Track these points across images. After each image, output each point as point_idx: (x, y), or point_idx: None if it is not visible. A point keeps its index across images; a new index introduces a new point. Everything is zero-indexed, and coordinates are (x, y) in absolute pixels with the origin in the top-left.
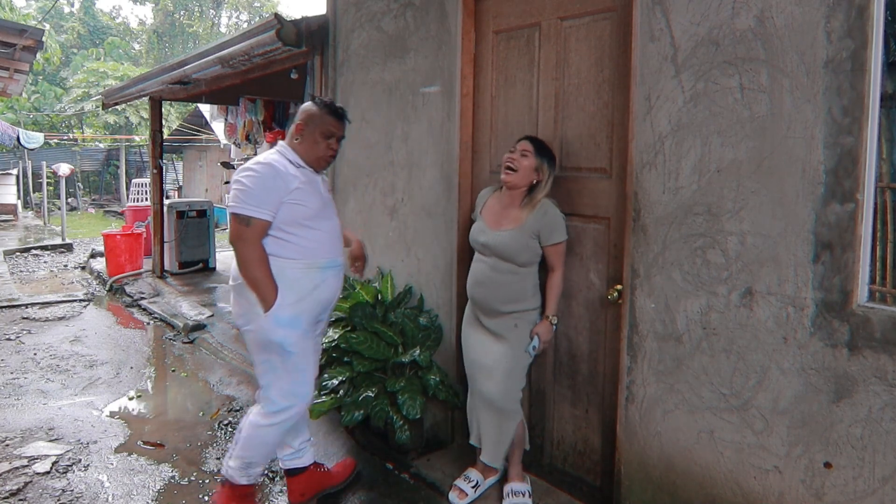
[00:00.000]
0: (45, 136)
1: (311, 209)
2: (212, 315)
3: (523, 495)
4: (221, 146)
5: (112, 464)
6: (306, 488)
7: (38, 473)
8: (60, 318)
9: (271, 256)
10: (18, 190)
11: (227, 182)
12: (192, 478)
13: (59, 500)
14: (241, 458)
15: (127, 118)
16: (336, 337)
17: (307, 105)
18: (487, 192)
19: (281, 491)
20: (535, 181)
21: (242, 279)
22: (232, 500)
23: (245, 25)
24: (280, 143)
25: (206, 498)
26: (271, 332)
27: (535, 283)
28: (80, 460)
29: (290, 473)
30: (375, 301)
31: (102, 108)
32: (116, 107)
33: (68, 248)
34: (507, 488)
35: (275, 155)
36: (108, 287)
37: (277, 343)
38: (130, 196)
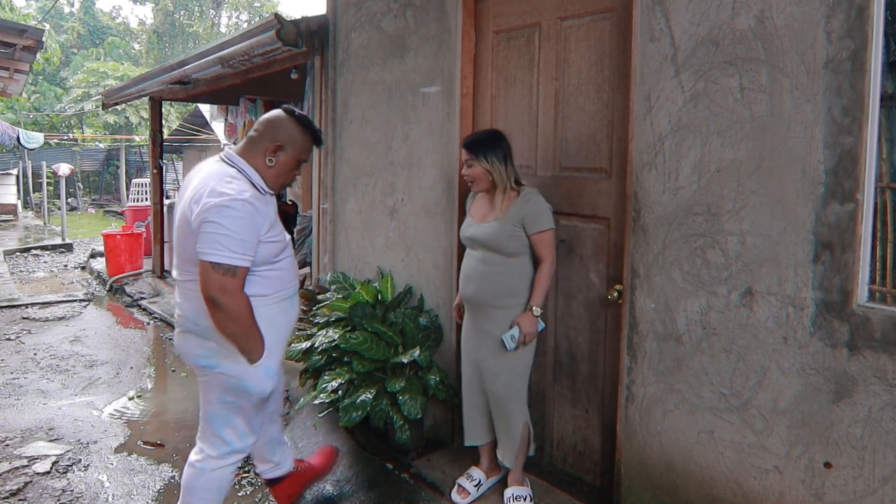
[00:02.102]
0: (45, 136)
1: (282, 243)
2: None
3: (524, 499)
4: (221, 146)
5: (112, 464)
6: (292, 490)
7: (38, 473)
8: (60, 318)
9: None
10: (18, 190)
11: None
12: None
13: (59, 500)
14: None
15: (127, 118)
16: (336, 337)
17: (286, 122)
18: (473, 193)
19: None
20: (491, 175)
21: (216, 330)
22: None
23: (245, 25)
24: (239, 160)
25: None
26: (257, 383)
27: (530, 279)
28: (80, 460)
29: (273, 483)
30: (375, 301)
31: (102, 108)
32: (116, 107)
33: (68, 248)
34: (507, 493)
35: (243, 184)
36: (108, 287)
37: (259, 392)
38: (130, 196)
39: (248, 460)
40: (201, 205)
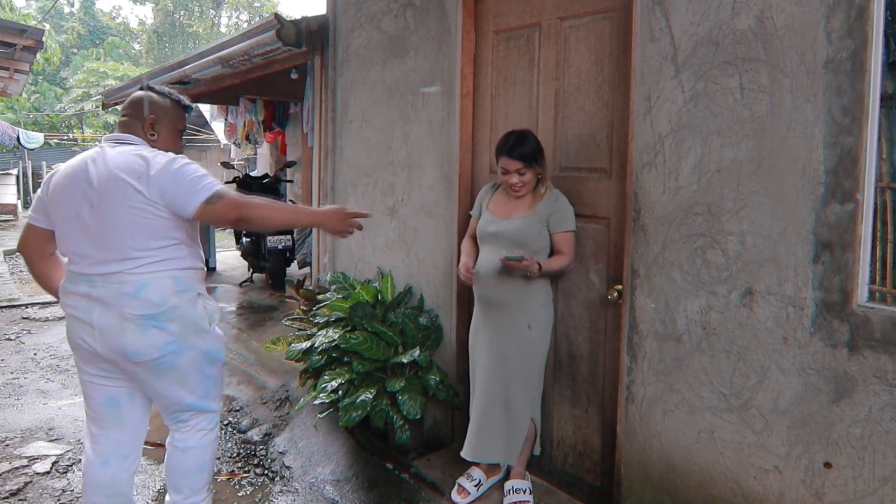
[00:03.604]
0: (45, 136)
1: None
2: None
3: (524, 492)
4: (221, 146)
5: None
6: None
7: (38, 473)
8: (60, 318)
9: (193, 270)
10: (18, 190)
11: (227, 182)
12: None
13: (59, 500)
14: (205, 484)
15: None
16: (336, 337)
17: (151, 97)
18: (490, 188)
19: (281, 491)
20: (540, 177)
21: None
22: None
23: (245, 25)
24: (136, 139)
25: None
26: (221, 347)
27: (546, 279)
28: (80, 460)
29: None
30: (375, 301)
31: (102, 108)
32: (116, 107)
33: None
34: (507, 485)
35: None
36: None
37: (222, 349)
38: None
39: (247, 460)
40: (151, 175)
